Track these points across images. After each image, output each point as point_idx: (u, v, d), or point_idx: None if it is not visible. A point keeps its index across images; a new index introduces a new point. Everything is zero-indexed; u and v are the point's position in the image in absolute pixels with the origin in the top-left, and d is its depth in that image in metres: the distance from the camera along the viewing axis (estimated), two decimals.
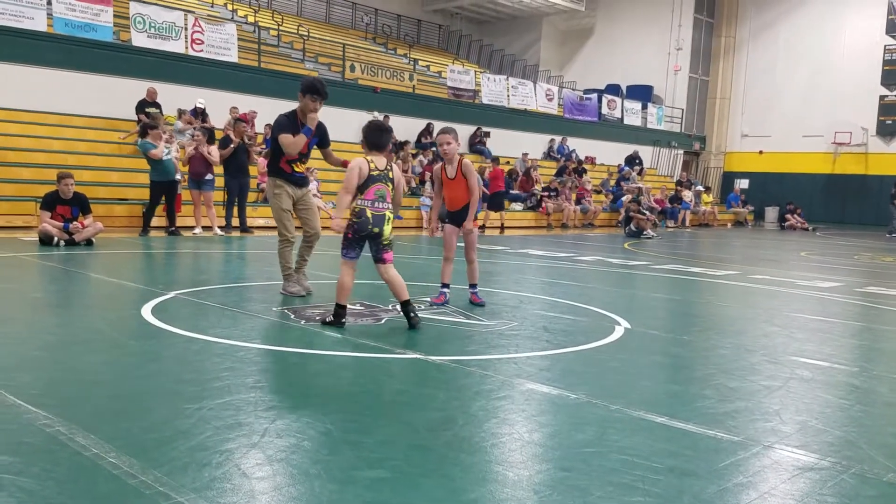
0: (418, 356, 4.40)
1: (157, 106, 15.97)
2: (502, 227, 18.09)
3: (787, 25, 29.74)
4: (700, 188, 27.20)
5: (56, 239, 9.65)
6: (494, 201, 18.07)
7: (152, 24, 16.68)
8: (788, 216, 26.52)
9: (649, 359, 4.80)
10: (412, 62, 26.05)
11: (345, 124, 20.36)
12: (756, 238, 20.81)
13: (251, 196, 14.34)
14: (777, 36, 30.00)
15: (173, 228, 12.25)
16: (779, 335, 5.73)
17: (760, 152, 30.81)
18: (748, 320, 6.56)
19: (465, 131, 23.16)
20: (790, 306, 7.43)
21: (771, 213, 28.62)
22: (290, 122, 6.46)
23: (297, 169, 6.61)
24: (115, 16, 16.32)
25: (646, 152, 28.72)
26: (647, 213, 19.41)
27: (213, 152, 12.96)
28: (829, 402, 3.85)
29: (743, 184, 30.33)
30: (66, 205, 9.91)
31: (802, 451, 3.05)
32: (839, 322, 6.63)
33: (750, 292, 8.50)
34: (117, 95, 15.71)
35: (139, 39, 16.54)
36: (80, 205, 10.04)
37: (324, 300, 6.27)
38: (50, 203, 9.87)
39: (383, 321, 5.47)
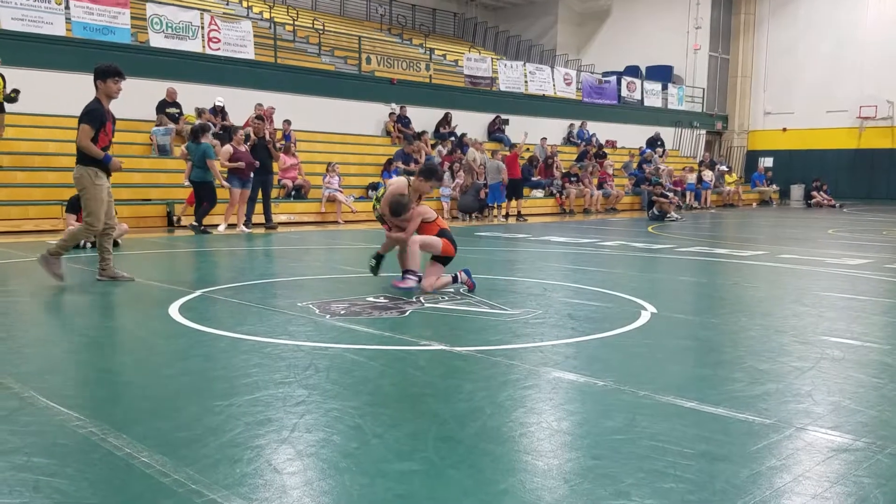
0: (443, 347, 4.40)
1: (178, 106, 16.09)
2: (518, 215, 17.96)
3: (807, 0, 29.21)
4: (724, 168, 26.90)
5: (83, 241, 9.75)
6: (511, 188, 17.99)
7: (169, 25, 16.79)
8: (814, 193, 26.16)
9: (677, 343, 4.76)
10: (428, 52, 25.97)
11: (364, 117, 20.45)
12: (782, 217, 20.54)
13: (273, 192, 14.42)
14: (798, 10, 29.48)
15: (204, 227, 12.37)
16: (808, 315, 5.66)
17: (784, 129, 30.37)
18: (776, 301, 6.49)
19: (483, 119, 23.11)
20: (819, 285, 7.33)
21: (797, 190, 28.23)
22: (102, 111, 6.73)
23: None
24: (132, 18, 16.42)
25: (667, 133, 28.43)
26: (669, 195, 19.24)
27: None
28: (862, 382, 3.79)
29: (767, 162, 29.93)
30: None
31: (836, 433, 3.01)
32: (869, 300, 6.52)
33: (778, 272, 8.40)
34: (137, 97, 15.75)
35: (157, 40, 16.66)
36: None
37: (347, 294, 6.30)
38: (75, 206, 9.96)
39: (407, 313, 5.48)
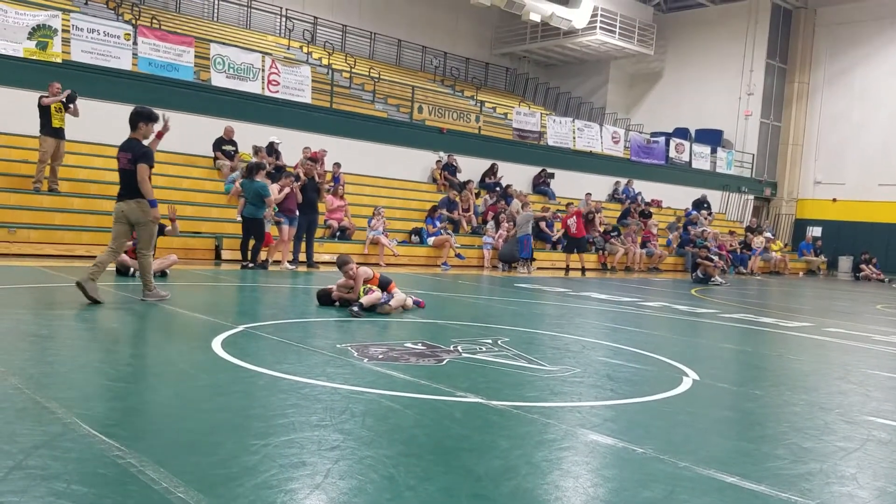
0: (480, 400, 4.37)
1: (234, 144, 16.52)
2: (582, 270, 18.25)
3: (863, 71, 28.99)
4: (769, 234, 26.56)
5: (132, 270, 9.98)
6: (577, 244, 18.39)
7: (231, 66, 17.36)
8: (863, 266, 25.62)
9: (719, 413, 4.66)
10: (479, 104, 26.33)
11: (412, 164, 20.77)
12: (829, 288, 20.11)
13: (318, 232, 14.65)
14: (853, 82, 29.26)
15: (255, 263, 12.57)
16: (854, 393, 5.51)
17: (834, 200, 29.92)
18: (822, 376, 6.33)
19: (529, 171, 23.25)
20: (866, 362, 7.13)
21: (844, 262, 27.66)
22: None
23: None
24: (196, 56, 17.05)
25: (714, 197, 28.22)
26: (714, 258, 19.02)
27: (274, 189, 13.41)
28: None
29: (816, 231, 29.45)
30: None
31: None
32: None
33: (823, 346, 8.20)
34: (196, 133, 16.31)
35: (218, 79, 17.22)
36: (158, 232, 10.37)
37: (385, 338, 6.33)
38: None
39: (444, 362, 5.47)
